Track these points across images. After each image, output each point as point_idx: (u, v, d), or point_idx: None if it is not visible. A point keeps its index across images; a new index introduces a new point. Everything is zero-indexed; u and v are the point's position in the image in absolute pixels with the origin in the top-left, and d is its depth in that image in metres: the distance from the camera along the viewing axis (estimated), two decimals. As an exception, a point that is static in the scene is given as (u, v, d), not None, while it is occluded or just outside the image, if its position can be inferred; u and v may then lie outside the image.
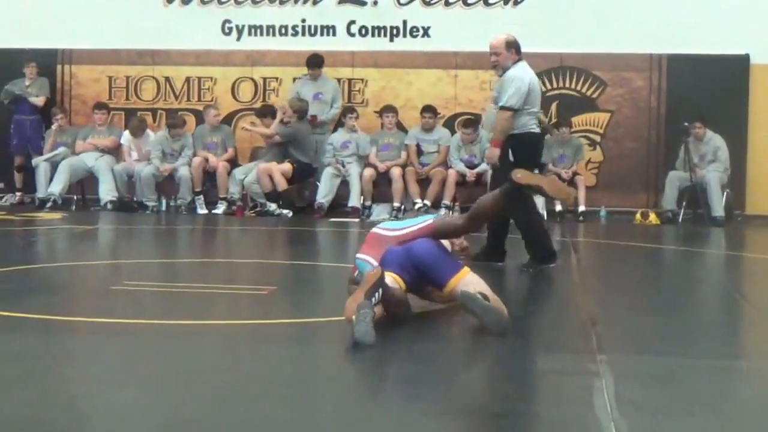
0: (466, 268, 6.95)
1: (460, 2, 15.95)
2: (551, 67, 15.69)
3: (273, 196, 14.91)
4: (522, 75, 9.66)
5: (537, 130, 9.80)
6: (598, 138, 15.72)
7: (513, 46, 9.73)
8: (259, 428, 4.72)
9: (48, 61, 16.25)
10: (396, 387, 5.56)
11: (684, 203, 14.99)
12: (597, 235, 13.74)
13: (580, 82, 15.72)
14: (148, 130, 15.76)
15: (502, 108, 9.56)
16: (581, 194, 14.94)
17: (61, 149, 15.65)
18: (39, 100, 15.95)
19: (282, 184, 14.86)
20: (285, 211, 14.80)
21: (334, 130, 15.64)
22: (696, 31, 15.36)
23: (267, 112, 15.41)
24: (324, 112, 15.46)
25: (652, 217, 14.76)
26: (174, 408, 4.98)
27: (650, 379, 5.63)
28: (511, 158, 9.52)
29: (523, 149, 9.62)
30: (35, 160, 15.65)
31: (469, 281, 6.81)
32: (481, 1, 15.90)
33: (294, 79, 15.83)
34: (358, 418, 4.90)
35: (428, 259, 6.94)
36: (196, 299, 8.08)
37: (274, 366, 5.89)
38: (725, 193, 14.81)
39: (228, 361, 6.08)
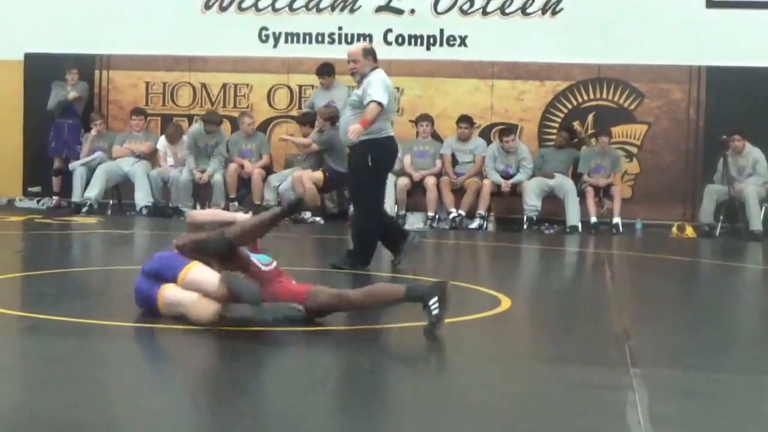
0: (195, 261, 7.01)
1: (498, 12, 15.90)
2: (589, 78, 15.62)
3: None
4: (384, 79, 9.96)
5: (392, 134, 10.16)
6: (634, 150, 15.62)
7: (370, 53, 9.99)
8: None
9: (86, 67, 16.30)
10: (425, 400, 5.52)
11: (721, 217, 14.86)
12: (632, 247, 13.66)
13: (618, 94, 15.63)
14: (184, 136, 15.77)
15: (373, 102, 9.72)
16: (616, 206, 14.86)
17: (98, 154, 15.71)
18: (72, 95, 15.96)
19: (310, 191, 14.82)
20: (318, 219, 14.79)
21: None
22: (735, 43, 15.25)
23: (307, 120, 15.40)
24: (343, 121, 15.35)
25: (689, 231, 14.64)
26: (205, 412, 4.97)
27: (684, 393, 5.58)
28: (370, 162, 9.88)
29: (380, 153, 9.97)
30: (72, 165, 15.71)
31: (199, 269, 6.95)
32: (519, 11, 15.84)
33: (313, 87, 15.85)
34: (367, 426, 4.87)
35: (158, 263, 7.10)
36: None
37: (304, 371, 5.87)
38: (764, 207, 14.67)
39: (259, 365, 6.10)
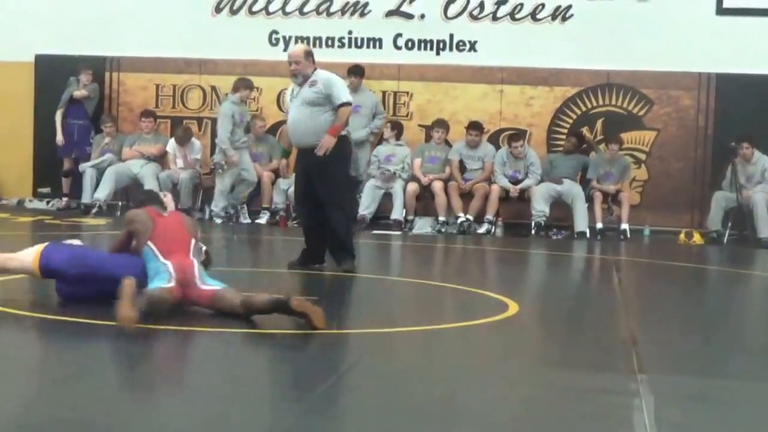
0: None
1: (508, 17, 15.91)
2: (598, 84, 15.63)
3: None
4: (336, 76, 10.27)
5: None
6: (643, 156, 15.63)
7: (310, 55, 10.13)
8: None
9: (96, 69, 16.34)
10: (431, 404, 5.53)
11: (729, 224, 14.87)
12: (640, 254, 13.66)
13: (627, 100, 15.64)
14: (194, 139, 15.81)
15: (344, 104, 9.94)
16: (624, 212, 14.86)
17: (108, 156, 15.76)
18: (78, 93, 16.01)
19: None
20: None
21: (378, 143, 15.65)
22: (745, 51, 15.26)
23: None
24: (362, 124, 15.40)
25: (697, 237, 14.64)
26: (213, 414, 4.99)
27: (690, 400, 5.59)
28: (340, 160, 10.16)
29: (347, 150, 10.40)
30: (82, 166, 15.76)
31: None
32: (529, 17, 15.85)
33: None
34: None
35: None
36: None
37: (309, 375, 5.89)
38: (772, 215, 14.65)
39: (264, 369, 6.14)
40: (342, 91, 10.05)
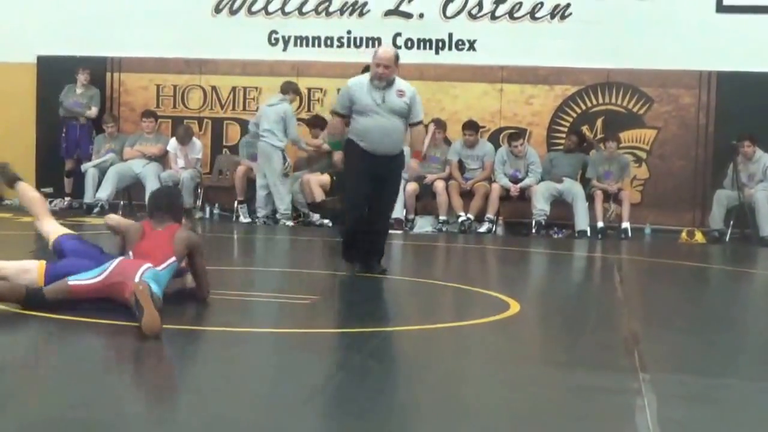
0: None
1: (507, 16, 15.92)
2: (598, 83, 15.64)
3: (315, 206, 15.00)
4: None
5: None
6: (643, 155, 15.63)
7: (398, 59, 9.93)
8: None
9: (97, 69, 16.38)
10: (431, 405, 5.54)
11: (731, 222, 14.87)
12: (641, 252, 13.67)
13: (627, 98, 15.64)
14: (195, 138, 15.83)
15: (420, 123, 10.03)
16: (625, 211, 14.86)
17: (110, 156, 15.78)
18: (92, 113, 16.14)
19: (319, 195, 14.94)
20: (326, 222, 14.83)
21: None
22: (746, 48, 15.25)
23: (318, 123, 15.44)
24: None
25: (699, 236, 14.64)
26: (215, 414, 5.00)
27: (693, 399, 5.60)
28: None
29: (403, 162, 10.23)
30: (84, 166, 15.80)
31: None
32: (528, 15, 15.86)
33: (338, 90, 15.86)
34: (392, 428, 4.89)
35: None
36: (238, 307, 8.13)
37: (313, 374, 5.89)
38: (774, 213, 14.65)
39: (269, 368, 6.12)
40: (421, 108, 10.05)
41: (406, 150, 10.19)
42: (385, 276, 9.78)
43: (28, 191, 8.55)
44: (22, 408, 5.04)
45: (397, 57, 9.84)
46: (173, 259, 7.61)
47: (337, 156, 10.18)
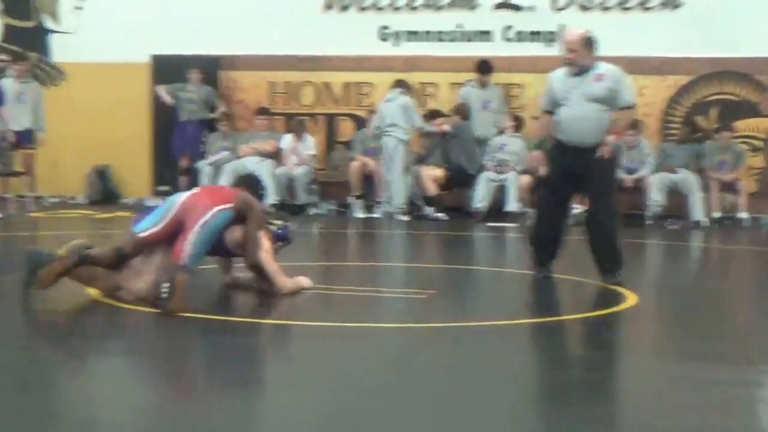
0: None
1: (618, 7, 15.83)
2: (712, 72, 15.48)
3: (429, 200, 15.09)
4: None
5: None
6: (759, 144, 15.44)
7: (590, 43, 9.16)
8: (423, 427, 4.81)
9: (210, 68, 16.62)
10: (558, 396, 5.59)
11: None
12: (758, 243, 13.50)
13: (741, 87, 15.46)
14: (307, 134, 15.99)
15: (631, 107, 9.18)
16: (742, 201, 14.70)
17: (224, 153, 16.01)
18: (216, 113, 16.35)
19: (432, 190, 15.03)
20: (441, 215, 14.90)
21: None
22: None
23: (433, 117, 15.60)
24: (491, 121, 15.52)
25: (817, 225, 14.44)
26: (333, 409, 5.10)
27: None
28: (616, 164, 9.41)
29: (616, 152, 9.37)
30: (199, 164, 16.04)
31: None
32: (639, 6, 15.76)
33: (464, 83, 15.91)
34: (517, 422, 4.95)
35: None
36: (355, 302, 8.24)
37: (433, 368, 5.97)
38: None
39: (386, 362, 6.22)
40: (631, 90, 9.24)
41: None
42: (501, 269, 9.80)
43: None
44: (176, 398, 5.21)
45: (585, 39, 9.09)
46: (231, 205, 7.85)
47: (534, 155, 9.76)
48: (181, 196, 7.93)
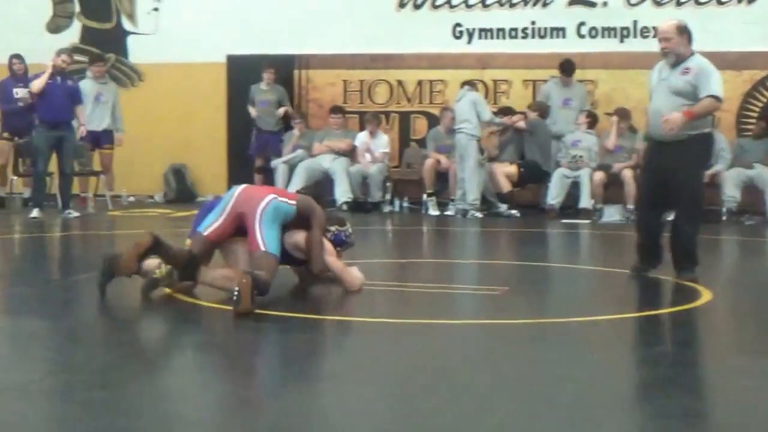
0: None
1: (692, 1, 15.73)
2: (789, 67, 15.36)
3: (502, 196, 15.11)
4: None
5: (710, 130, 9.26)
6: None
7: (685, 32, 8.94)
8: (494, 427, 4.86)
9: (285, 67, 16.76)
10: (629, 389, 5.62)
11: None
12: None
13: (822, 81, 15.32)
14: (381, 132, 16.06)
15: (712, 97, 8.75)
16: None
17: (299, 152, 16.13)
18: (282, 111, 16.47)
19: (505, 186, 15.06)
20: (514, 212, 14.91)
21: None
22: None
23: (507, 113, 15.63)
24: (572, 119, 15.51)
25: None
26: (408, 405, 5.16)
27: None
28: (700, 160, 9.14)
29: (706, 149, 9.22)
30: (274, 162, 16.19)
31: None
32: (714, 0, 15.64)
33: (548, 78, 15.89)
34: (594, 420, 4.98)
35: None
36: (429, 299, 8.30)
37: (508, 365, 6.02)
38: None
39: (461, 360, 6.25)
40: (715, 83, 8.80)
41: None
42: (574, 266, 9.80)
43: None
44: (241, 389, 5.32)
45: (679, 27, 8.90)
46: (294, 202, 8.00)
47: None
48: (237, 188, 8.02)
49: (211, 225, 7.88)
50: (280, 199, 7.89)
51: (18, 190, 15.99)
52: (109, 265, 7.76)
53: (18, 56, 15.64)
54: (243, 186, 8.16)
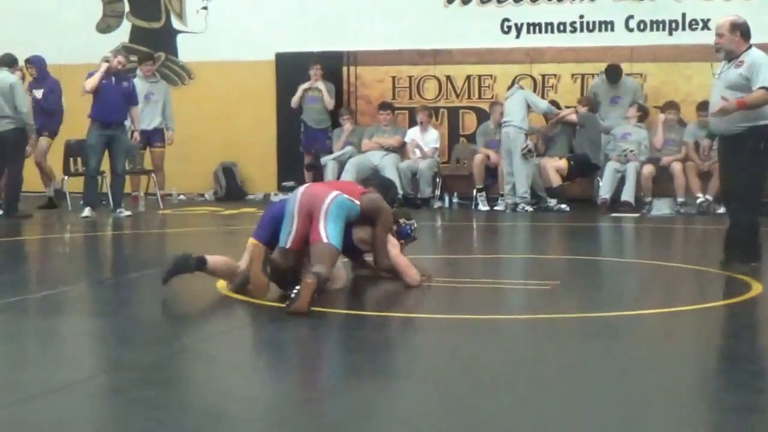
0: None
1: (744, -7, 15.62)
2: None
3: (552, 191, 15.09)
4: None
5: None
6: None
7: (738, 28, 8.99)
8: (556, 422, 4.90)
9: (334, 64, 16.80)
10: (687, 384, 5.61)
11: None
12: None
13: None
14: (431, 128, 16.07)
15: (763, 89, 8.73)
16: None
17: (348, 148, 16.18)
18: (329, 103, 16.51)
19: (555, 180, 15.05)
20: (564, 206, 14.89)
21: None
22: None
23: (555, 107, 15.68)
24: (621, 115, 15.48)
25: None
26: (463, 402, 5.20)
27: None
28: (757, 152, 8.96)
29: (762, 142, 9.00)
30: (324, 159, 16.23)
31: None
32: (767, -9, 15.53)
33: (598, 73, 15.85)
34: (649, 415, 4.99)
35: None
36: (481, 294, 8.34)
37: (561, 360, 6.03)
38: None
39: (515, 355, 6.28)
40: (765, 74, 8.79)
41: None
42: (623, 259, 9.78)
43: (217, 266, 8.15)
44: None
45: (733, 24, 8.97)
46: (359, 201, 8.03)
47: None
48: (298, 190, 8.02)
49: (288, 236, 7.80)
50: (345, 196, 7.93)
51: (70, 189, 16.12)
52: (178, 264, 7.84)
53: (29, 60, 15.77)
54: (304, 186, 8.22)
